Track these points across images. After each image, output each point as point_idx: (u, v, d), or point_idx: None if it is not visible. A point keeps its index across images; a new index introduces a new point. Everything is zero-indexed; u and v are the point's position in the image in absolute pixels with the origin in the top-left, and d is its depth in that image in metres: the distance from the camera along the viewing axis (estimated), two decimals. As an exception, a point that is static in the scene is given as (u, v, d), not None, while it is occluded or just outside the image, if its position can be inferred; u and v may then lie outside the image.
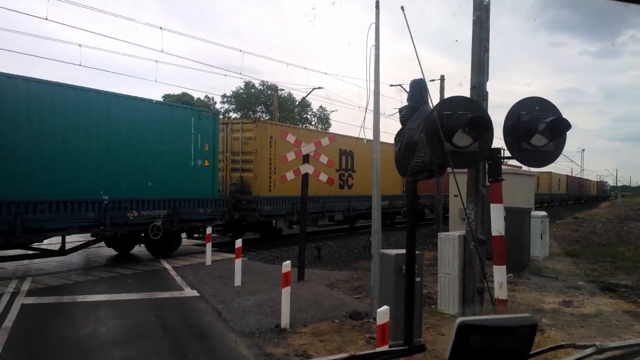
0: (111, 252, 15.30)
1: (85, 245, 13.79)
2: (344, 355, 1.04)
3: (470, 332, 1.05)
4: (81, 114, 12.22)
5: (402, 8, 4.67)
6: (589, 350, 1.15)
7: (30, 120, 11.33)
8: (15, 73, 11.17)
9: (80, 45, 23.01)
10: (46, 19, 15.16)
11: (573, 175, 74.54)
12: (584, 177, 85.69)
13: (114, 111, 12.95)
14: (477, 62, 5.61)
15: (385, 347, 5.23)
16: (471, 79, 5.64)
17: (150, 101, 14.26)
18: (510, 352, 1.10)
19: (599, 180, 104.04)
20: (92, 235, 13.46)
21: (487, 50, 5.65)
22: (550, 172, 52.67)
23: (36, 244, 12.27)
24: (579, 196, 71.20)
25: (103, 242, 14.46)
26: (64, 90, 12.04)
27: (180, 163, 14.52)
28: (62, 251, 13.10)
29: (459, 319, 1.06)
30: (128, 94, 13.39)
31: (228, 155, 18.10)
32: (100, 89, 12.75)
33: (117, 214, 12.74)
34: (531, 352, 1.18)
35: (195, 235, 16.94)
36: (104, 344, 7.31)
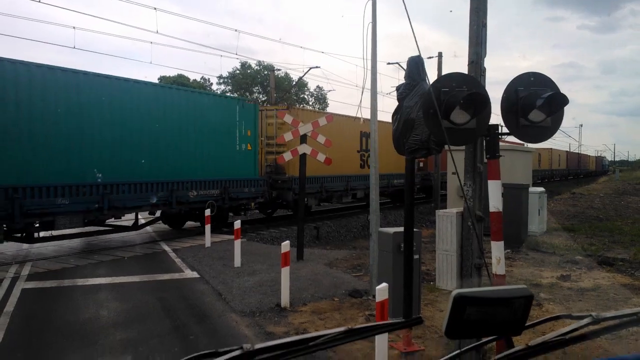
0: (109, 236, 15.32)
1: (153, 221, 15.89)
2: (343, 328, 1.04)
3: (466, 304, 1.06)
4: (161, 109, 14.30)
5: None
6: (585, 321, 1.16)
7: (120, 116, 13.31)
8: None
9: (74, 27, 22.83)
10: (40, 2, 14.89)
11: (571, 150, 75.31)
12: (582, 152, 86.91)
13: (184, 103, 14.91)
14: (474, 38, 5.55)
15: (385, 324, 5.27)
16: (468, 55, 5.59)
17: (207, 93, 15.94)
18: (506, 323, 1.11)
19: (597, 155, 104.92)
20: (150, 213, 15.35)
21: (484, 25, 5.58)
22: (551, 148, 53.85)
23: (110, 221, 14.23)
24: (578, 172, 72.04)
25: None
26: (147, 87, 14.30)
27: (228, 148, 16.37)
28: (136, 226, 14.99)
29: (455, 291, 1.06)
30: (193, 89, 15.22)
31: (263, 140, 19.14)
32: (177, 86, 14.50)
33: (181, 193, 14.65)
34: (529, 324, 1.19)
35: (242, 213, 18.65)
36: (105, 326, 7.36)
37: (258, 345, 0.95)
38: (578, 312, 1.19)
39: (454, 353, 1.15)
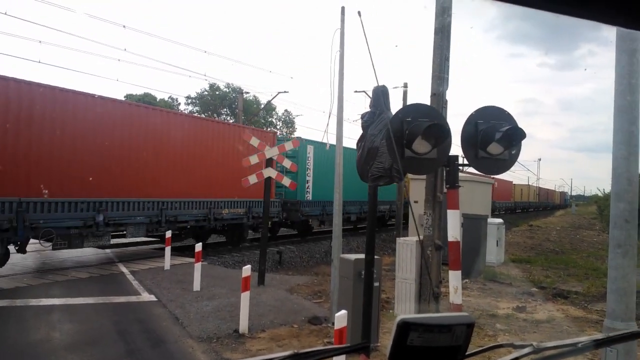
0: (65, 255, 14.87)
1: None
2: (288, 353, 1.06)
3: (409, 330, 1.08)
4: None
5: (359, 13, 4.74)
6: (526, 350, 1.20)
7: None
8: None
9: (40, 42, 22.46)
10: (5, 14, 14.69)
11: (538, 186, 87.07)
12: (550, 188, 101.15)
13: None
14: (437, 71, 5.72)
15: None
16: (431, 87, 5.74)
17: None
18: (448, 349, 1.14)
19: (561, 191, 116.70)
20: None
21: (447, 59, 5.76)
22: (529, 185, 69.38)
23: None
24: (547, 204, 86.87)
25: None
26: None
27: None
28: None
29: (399, 317, 1.09)
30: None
31: None
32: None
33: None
34: (471, 352, 1.22)
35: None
36: (57, 348, 7.12)
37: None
38: (520, 341, 1.23)
39: None
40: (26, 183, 11.44)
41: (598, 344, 1.34)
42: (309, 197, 21.82)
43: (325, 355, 1.13)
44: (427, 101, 5.67)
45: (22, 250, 12.02)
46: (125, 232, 14.32)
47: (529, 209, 66.81)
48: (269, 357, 1.03)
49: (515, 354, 1.19)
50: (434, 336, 1.11)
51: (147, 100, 49.12)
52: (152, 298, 10.30)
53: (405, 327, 1.08)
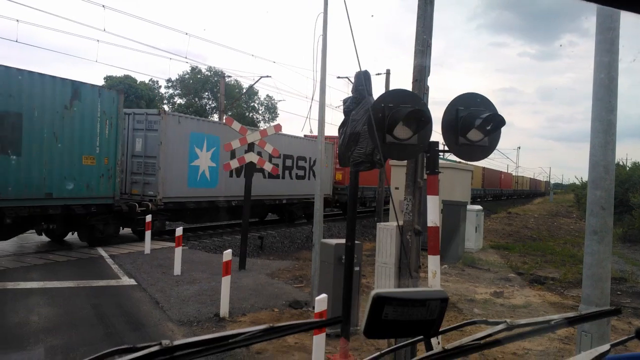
0: (44, 238, 14.72)
1: None
2: (264, 326, 1.06)
3: (384, 304, 1.10)
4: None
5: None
6: (499, 327, 1.22)
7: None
8: None
9: (17, 20, 21.95)
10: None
11: (529, 177, 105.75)
12: (537, 178, 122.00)
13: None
14: (419, 58, 5.72)
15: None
16: (413, 74, 5.74)
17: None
18: (422, 323, 1.16)
19: (545, 180, 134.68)
20: None
21: (429, 46, 5.76)
22: (522, 175, 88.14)
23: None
24: (537, 192, 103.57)
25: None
26: None
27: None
28: None
29: (374, 291, 1.10)
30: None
31: None
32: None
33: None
34: (446, 328, 1.24)
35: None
36: (35, 332, 7.06)
37: (177, 342, 0.96)
38: (494, 319, 1.25)
39: (375, 355, 1.19)
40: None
41: (570, 321, 1.37)
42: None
43: (300, 328, 1.14)
44: (409, 87, 5.67)
45: None
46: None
47: (522, 195, 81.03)
48: (245, 331, 1.04)
49: (490, 330, 1.21)
50: (409, 310, 1.13)
51: (127, 82, 48.41)
52: (132, 282, 10.25)
53: (380, 301, 1.10)
